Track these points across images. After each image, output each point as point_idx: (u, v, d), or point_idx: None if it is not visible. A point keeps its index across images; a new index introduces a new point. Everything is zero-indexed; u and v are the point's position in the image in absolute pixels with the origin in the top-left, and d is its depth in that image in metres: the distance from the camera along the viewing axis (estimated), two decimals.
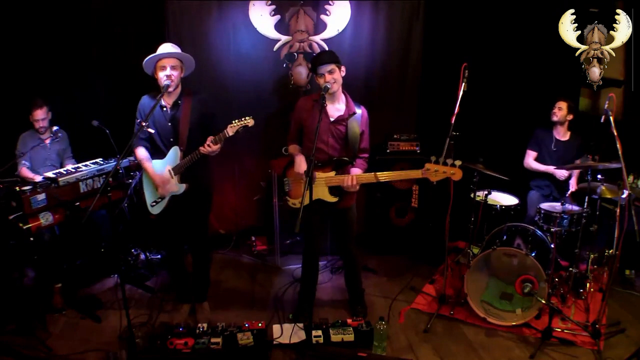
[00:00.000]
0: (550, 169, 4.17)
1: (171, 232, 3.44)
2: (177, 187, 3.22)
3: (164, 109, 3.17)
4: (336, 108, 3.21)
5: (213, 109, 3.32)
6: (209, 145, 3.06)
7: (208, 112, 3.26)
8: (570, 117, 4.13)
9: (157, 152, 3.25)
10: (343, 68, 3.14)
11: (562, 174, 4.12)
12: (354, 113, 3.19)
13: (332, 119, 3.18)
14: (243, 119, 3.04)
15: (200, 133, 3.16)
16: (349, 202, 3.30)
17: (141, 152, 3.23)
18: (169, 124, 3.17)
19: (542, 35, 4.56)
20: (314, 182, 3.13)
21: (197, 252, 3.50)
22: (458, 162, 2.88)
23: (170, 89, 3.09)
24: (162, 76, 3.06)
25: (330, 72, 3.06)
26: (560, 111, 4.12)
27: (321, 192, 3.18)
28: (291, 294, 3.88)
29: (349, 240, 3.43)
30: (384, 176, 3.07)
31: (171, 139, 3.19)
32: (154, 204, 3.27)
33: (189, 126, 3.16)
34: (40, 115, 3.86)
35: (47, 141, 3.97)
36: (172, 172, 3.19)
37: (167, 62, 3.07)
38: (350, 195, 3.26)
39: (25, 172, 3.88)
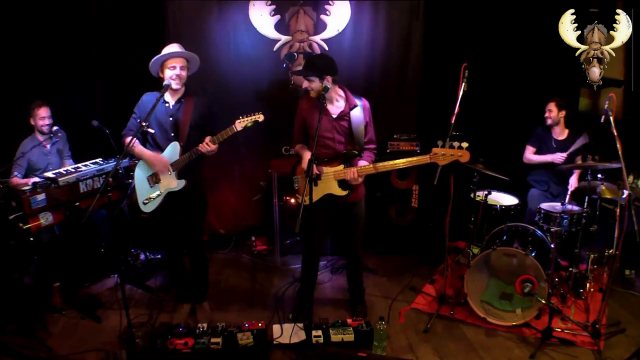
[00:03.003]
0: (547, 157, 4.17)
1: (169, 231, 3.43)
2: (175, 182, 3.21)
3: (167, 104, 3.19)
4: (336, 106, 3.22)
5: (215, 111, 3.33)
6: (207, 144, 3.07)
7: (209, 114, 3.28)
8: (562, 113, 4.14)
9: (156, 149, 3.24)
10: (328, 78, 3.08)
11: (557, 158, 4.09)
12: (355, 106, 3.20)
13: (334, 116, 3.19)
14: (252, 114, 3.06)
15: (200, 132, 3.17)
16: (357, 196, 3.30)
17: (129, 140, 3.14)
18: (170, 118, 3.19)
19: (542, 35, 4.56)
20: (322, 177, 3.14)
21: (192, 254, 3.51)
22: (465, 144, 2.90)
23: (178, 87, 3.13)
24: (170, 75, 3.09)
25: (308, 80, 3.11)
26: (551, 113, 4.14)
27: (330, 187, 3.19)
28: (291, 294, 3.88)
29: (356, 237, 3.43)
30: (385, 165, 3.07)
31: (172, 134, 3.20)
32: (147, 201, 3.25)
33: (190, 123, 3.18)
34: (44, 112, 3.81)
35: (48, 145, 3.91)
36: (170, 167, 3.19)
37: (177, 62, 3.11)
38: (359, 189, 3.26)
39: (17, 180, 3.77)
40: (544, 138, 4.27)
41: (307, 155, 3.20)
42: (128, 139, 3.20)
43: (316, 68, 3.09)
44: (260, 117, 3.08)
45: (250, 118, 3.06)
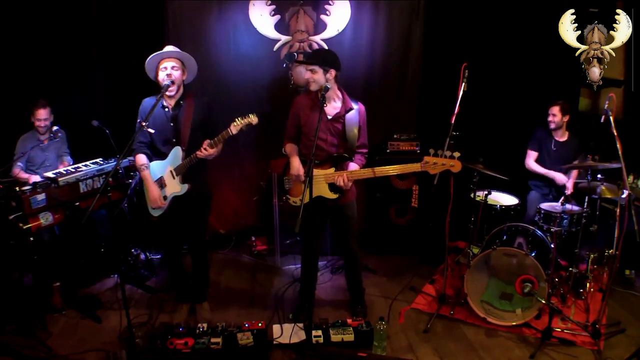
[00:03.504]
0: (550, 173, 4.16)
1: (170, 232, 3.43)
2: (179, 187, 3.21)
3: (166, 109, 3.17)
4: (333, 106, 3.21)
5: (215, 112, 3.32)
6: (205, 149, 3.07)
7: (210, 115, 3.26)
8: (566, 118, 4.13)
9: (157, 154, 3.24)
10: (332, 71, 3.08)
11: (561, 179, 4.10)
12: (351, 109, 3.20)
13: (329, 117, 3.18)
14: (247, 117, 3.03)
15: (201, 135, 3.16)
16: (349, 198, 3.30)
17: (141, 159, 3.20)
18: (171, 124, 3.17)
19: (542, 35, 4.56)
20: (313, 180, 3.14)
21: (196, 254, 3.50)
22: (457, 154, 2.91)
23: (172, 89, 3.09)
24: (162, 76, 3.07)
25: (312, 71, 3.08)
26: (555, 117, 4.11)
27: (321, 189, 3.18)
28: (291, 294, 3.88)
29: (350, 237, 3.42)
30: (381, 171, 3.06)
31: (173, 140, 3.18)
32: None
33: (191, 126, 3.16)
34: (43, 115, 3.86)
35: (46, 142, 3.96)
36: (174, 172, 3.19)
37: (168, 62, 3.08)
38: (349, 191, 3.26)
39: (20, 173, 3.87)
40: (544, 140, 4.26)
41: (294, 160, 3.22)
42: (138, 159, 3.20)
43: (321, 59, 3.09)
44: (253, 121, 3.03)
45: (244, 121, 3.02)
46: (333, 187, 3.17)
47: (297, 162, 3.22)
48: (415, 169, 3.00)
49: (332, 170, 3.17)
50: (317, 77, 3.07)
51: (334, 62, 3.11)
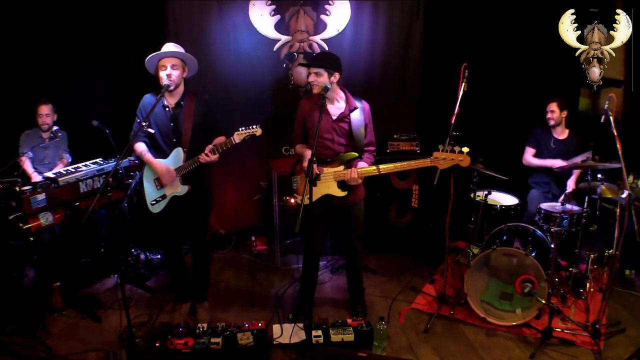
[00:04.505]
0: (547, 162, 4.17)
1: (171, 232, 3.44)
2: (179, 188, 3.21)
3: (167, 108, 3.17)
4: (337, 107, 3.22)
5: (216, 110, 3.32)
6: (207, 155, 3.08)
7: (211, 113, 3.26)
8: (564, 114, 4.14)
9: (158, 153, 3.23)
10: (336, 75, 3.11)
11: (556, 163, 4.08)
12: (355, 108, 3.21)
13: (334, 118, 3.19)
14: (251, 128, 3.04)
15: (203, 134, 3.17)
16: (357, 197, 3.30)
17: (140, 146, 3.21)
18: (171, 124, 3.17)
19: (542, 35, 4.56)
20: (320, 178, 3.15)
21: (197, 253, 3.50)
22: (466, 149, 2.92)
23: (171, 88, 3.09)
24: (162, 75, 3.07)
25: (317, 74, 3.08)
26: (554, 113, 4.13)
27: (330, 187, 3.19)
28: (291, 294, 3.88)
29: (355, 237, 3.43)
30: (386, 168, 3.07)
31: (174, 140, 3.18)
32: (154, 202, 3.26)
33: (192, 127, 3.16)
34: (45, 110, 3.96)
35: (47, 141, 4.01)
36: (174, 172, 3.19)
37: (168, 62, 3.08)
38: (358, 190, 3.27)
39: (27, 165, 3.97)
40: (544, 138, 4.27)
41: (308, 154, 3.20)
42: (137, 147, 3.20)
43: (327, 62, 3.10)
44: (257, 131, 3.04)
45: (248, 131, 3.03)
46: (342, 184, 3.18)
47: (309, 155, 3.18)
48: (425, 164, 3.02)
49: (341, 167, 3.17)
50: (321, 80, 3.08)
51: (339, 65, 3.14)
